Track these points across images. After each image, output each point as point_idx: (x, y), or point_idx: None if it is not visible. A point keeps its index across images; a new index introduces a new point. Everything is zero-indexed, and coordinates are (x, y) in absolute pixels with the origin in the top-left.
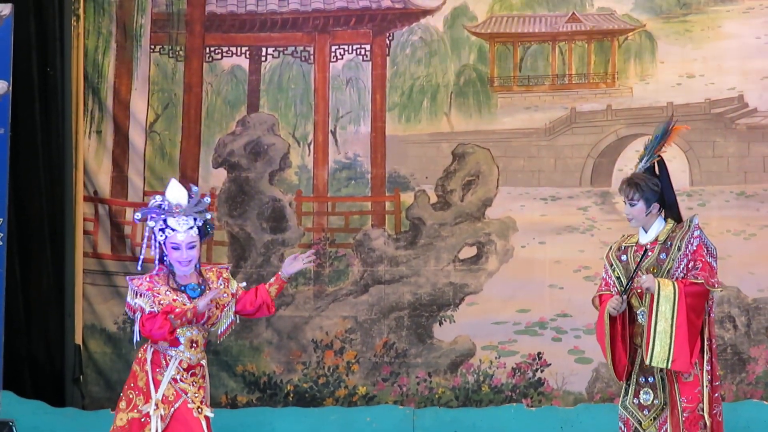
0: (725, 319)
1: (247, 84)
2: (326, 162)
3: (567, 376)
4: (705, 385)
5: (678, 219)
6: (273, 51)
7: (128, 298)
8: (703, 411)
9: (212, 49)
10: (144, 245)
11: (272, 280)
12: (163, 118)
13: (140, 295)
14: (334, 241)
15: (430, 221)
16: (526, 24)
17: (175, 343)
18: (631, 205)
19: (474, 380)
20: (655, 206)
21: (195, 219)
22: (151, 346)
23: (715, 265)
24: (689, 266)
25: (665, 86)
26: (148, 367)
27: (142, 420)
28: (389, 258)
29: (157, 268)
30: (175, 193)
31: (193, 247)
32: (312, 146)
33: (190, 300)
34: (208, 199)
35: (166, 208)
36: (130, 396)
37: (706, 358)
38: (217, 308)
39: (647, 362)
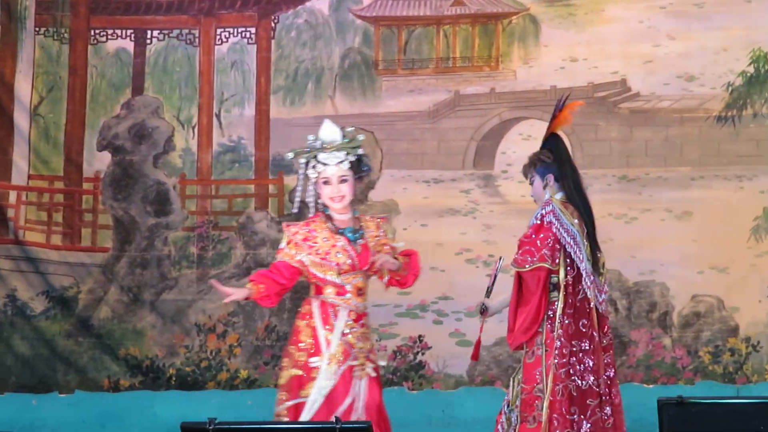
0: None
1: (132, 67)
2: (210, 145)
3: (448, 359)
4: (553, 363)
5: (573, 191)
6: (158, 34)
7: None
8: (541, 392)
9: (97, 31)
10: (299, 188)
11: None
12: (47, 101)
13: (291, 243)
14: (218, 224)
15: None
16: (410, 7)
17: (342, 291)
18: (531, 183)
19: None
20: (550, 177)
21: (347, 154)
22: (316, 298)
23: (539, 242)
24: None
25: (549, 70)
26: (315, 321)
27: (304, 376)
28: (272, 241)
29: (312, 215)
30: (329, 131)
31: (344, 181)
32: (196, 129)
33: (349, 243)
34: (362, 137)
35: (318, 146)
36: (291, 351)
37: (556, 335)
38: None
39: None
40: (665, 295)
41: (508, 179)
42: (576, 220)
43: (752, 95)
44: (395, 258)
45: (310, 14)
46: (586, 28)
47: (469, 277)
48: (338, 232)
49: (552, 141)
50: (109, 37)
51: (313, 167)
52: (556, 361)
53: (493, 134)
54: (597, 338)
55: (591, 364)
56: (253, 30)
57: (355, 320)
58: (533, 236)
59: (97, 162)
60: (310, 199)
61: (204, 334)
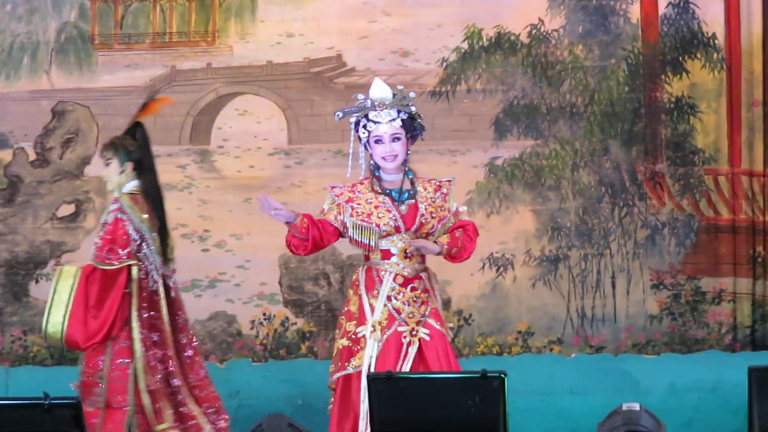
0: (319, 276)
1: None
2: None
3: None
4: (142, 354)
5: (150, 183)
6: None
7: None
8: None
9: None
10: (350, 150)
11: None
12: None
13: (334, 204)
14: None
15: (28, 179)
16: None
17: (387, 255)
18: (107, 165)
19: None
20: (129, 165)
21: (399, 112)
22: (364, 265)
23: (123, 239)
24: None
25: (265, 45)
26: (361, 289)
27: (352, 347)
28: None
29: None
30: (380, 90)
31: (397, 140)
32: None
33: (392, 202)
34: (413, 94)
35: (369, 105)
36: (341, 322)
37: (136, 327)
38: (432, 218)
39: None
40: None
41: (224, 154)
42: (146, 216)
43: (466, 71)
44: (448, 236)
45: None
46: (302, 4)
47: (185, 251)
48: (383, 192)
49: (138, 130)
50: None
51: (364, 126)
52: (143, 352)
53: (210, 109)
54: (167, 329)
55: (161, 354)
56: None
57: (402, 284)
58: (114, 233)
59: None
60: (362, 161)
61: None
